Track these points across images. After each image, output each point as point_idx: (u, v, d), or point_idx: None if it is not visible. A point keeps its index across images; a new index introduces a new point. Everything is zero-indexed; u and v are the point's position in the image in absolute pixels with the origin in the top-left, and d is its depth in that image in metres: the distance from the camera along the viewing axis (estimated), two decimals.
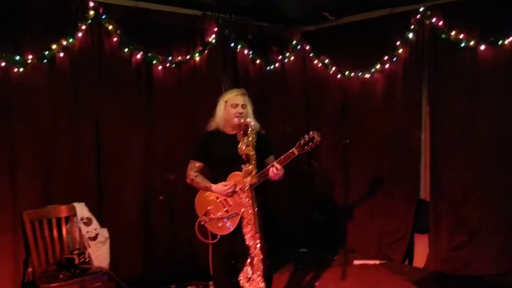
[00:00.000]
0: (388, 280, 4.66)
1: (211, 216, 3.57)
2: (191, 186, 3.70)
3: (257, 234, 3.03)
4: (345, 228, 5.81)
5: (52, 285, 3.51)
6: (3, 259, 3.85)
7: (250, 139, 3.11)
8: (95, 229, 4.08)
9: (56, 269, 3.74)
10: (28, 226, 3.80)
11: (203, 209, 3.62)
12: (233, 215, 3.51)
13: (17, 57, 3.89)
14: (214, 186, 3.54)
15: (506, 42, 4.40)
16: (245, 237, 3.10)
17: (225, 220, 3.54)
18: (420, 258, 5.14)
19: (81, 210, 4.09)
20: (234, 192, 3.48)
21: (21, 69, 3.93)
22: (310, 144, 3.40)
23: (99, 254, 4.03)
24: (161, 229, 4.78)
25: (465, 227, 4.76)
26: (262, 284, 3.12)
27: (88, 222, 4.07)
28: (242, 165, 3.08)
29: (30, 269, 3.81)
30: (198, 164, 3.63)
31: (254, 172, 3.06)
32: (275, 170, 3.38)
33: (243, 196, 3.15)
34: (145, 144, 4.69)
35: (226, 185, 3.48)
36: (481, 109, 4.66)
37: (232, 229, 3.53)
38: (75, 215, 4.06)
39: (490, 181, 4.62)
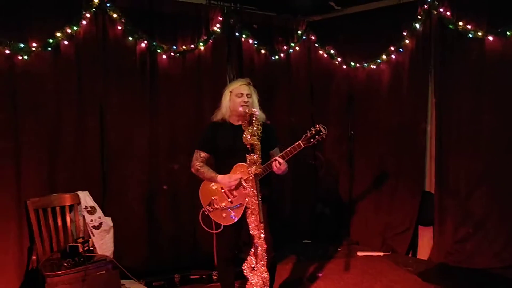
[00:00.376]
0: (392, 272, 4.64)
1: (215, 206, 3.56)
2: (196, 176, 3.69)
3: (261, 224, 3.03)
4: (349, 219, 5.80)
5: (56, 272, 3.52)
6: (7, 247, 3.87)
7: (255, 128, 3.11)
8: (99, 218, 4.09)
9: (60, 257, 3.74)
10: (32, 214, 3.81)
11: (207, 199, 3.61)
12: (238, 205, 3.49)
13: (22, 45, 3.87)
14: (220, 177, 3.51)
15: None
16: (250, 227, 3.09)
17: (229, 210, 3.53)
18: (424, 250, 5.13)
19: (85, 198, 4.10)
20: (239, 185, 3.46)
21: (26, 57, 3.92)
22: (317, 137, 3.37)
23: (103, 243, 4.05)
24: (165, 219, 4.78)
25: (470, 220, 4.73)
26: (266, 274, 3.13)
27: (92, 211, 4.08)
28: (247, 155, 3.07)
29: (34, 257, 3.81)
30: (203, 154, 3.61)
31: (259, 162, 3.05)
32: (277, 164, 3.35)
33: (248, 186, 3.15)
34: (149, 133, 4.67)
35: (231, 178, 3.46)
36: (488, 101, 4.61)
37: (236, 220, 3.52)
38: (79, 203, 4.07)
39: (496, 174, 4.57)
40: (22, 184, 3.95)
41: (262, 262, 3.11)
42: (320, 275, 4.63)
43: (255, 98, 3.56)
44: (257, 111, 3.25)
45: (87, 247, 3.80)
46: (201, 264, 4.54)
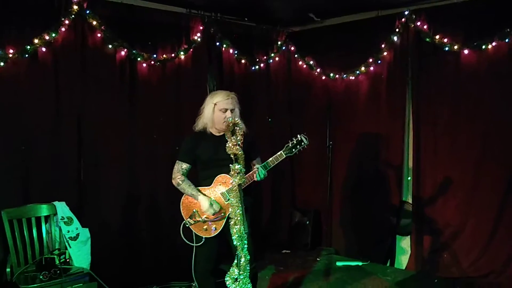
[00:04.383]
0: (370, 281, 4.67)
1: (197, 218, 3.52)
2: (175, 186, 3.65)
3: (245, 235, 3.01)
4: (328, 229, 5.82)
5: (32, 285, 3.42)
6: None
7: (238, 138, 3.09)
8: (76, 229, 4.00)
9: (36, 270, 3.64)
10: (7, 225, 3.70)
11: (188, 211, 3.57)
12: (219, 217, 3.47)
13: None
14: (201, 197, 3.48)
15: (490, 47, 4.47)
16: (233, 238, 3.06)
17: (210, 223, 3.49)
18: (402, 259, 5.18)
19: (62, 209, 4.01)
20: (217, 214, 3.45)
21: (2, 64, 3.82)
22: (298, 147, 3.39)
23: (80, 254, 3.96)
24: (144, 229, 4.71)
25: (446, 229, 4.81)
26: (250, 285, 3.10)
27: (69, 222, 3.99)
28: (231, 165, 3.05)
29: (8, 269, 3.70)
30: (185, 165, 3.57)
31: (242, 172, 3.03)
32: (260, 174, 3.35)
33: (231, 197, 3.12)
34: (128, 142, 4.61)
35: (212, 206, 3.43)
36: (463, 112, 4.72)
37: (217, 232, 3.49)
38: (55, 214, 3.98)
39: (472, 185, 4.67)
40: None
41: (245, 274, 3.08)
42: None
43: (238, 110, 3.53)
44: (240, 121, 3.23)
45: (63, 259, 3.71)
46: (181, 276, 4.47)
